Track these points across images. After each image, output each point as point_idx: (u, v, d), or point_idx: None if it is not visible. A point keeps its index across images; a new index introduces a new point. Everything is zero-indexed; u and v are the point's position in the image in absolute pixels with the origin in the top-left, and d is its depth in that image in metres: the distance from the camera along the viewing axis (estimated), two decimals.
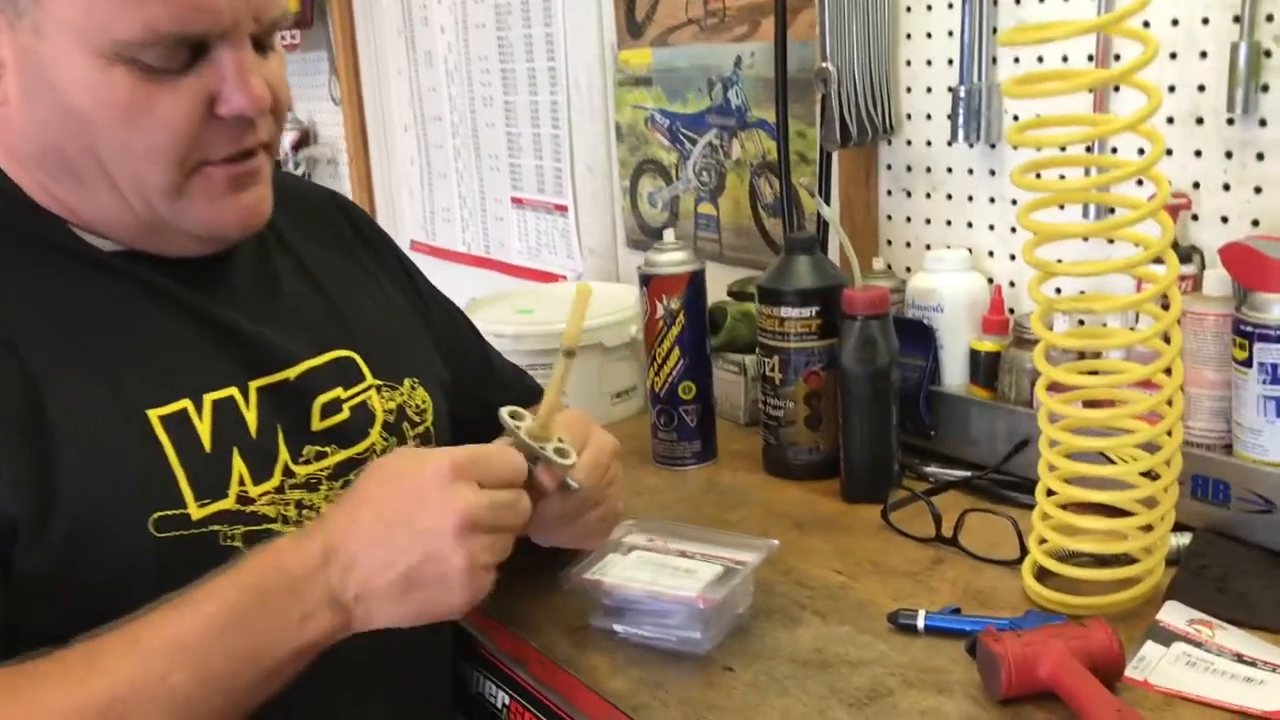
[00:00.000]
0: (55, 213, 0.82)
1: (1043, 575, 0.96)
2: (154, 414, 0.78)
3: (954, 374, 1.26)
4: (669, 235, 1.29)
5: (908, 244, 1.40)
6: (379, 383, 0.95)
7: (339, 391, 0.91)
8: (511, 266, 2.20)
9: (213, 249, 0.87)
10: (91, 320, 0.80)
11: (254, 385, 0.85)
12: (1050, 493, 0.93)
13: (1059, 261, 1.01)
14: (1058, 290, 1.22)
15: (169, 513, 0.77)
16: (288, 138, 2.88)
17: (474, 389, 1.10)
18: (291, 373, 0.88)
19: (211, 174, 0.81)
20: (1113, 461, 0.91)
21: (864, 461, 1.17)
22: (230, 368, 0.84)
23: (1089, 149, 1.11)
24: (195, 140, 0.79)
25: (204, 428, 0.80)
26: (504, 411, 0.83)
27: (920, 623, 0.92)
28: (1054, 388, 0.91)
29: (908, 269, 1.39)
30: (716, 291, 1.56)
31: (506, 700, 0.96)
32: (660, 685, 0.87)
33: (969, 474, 1.19)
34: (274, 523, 0.83)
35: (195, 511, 0.79)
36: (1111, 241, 1.13)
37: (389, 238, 1.11)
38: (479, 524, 0.75)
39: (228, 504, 0.80)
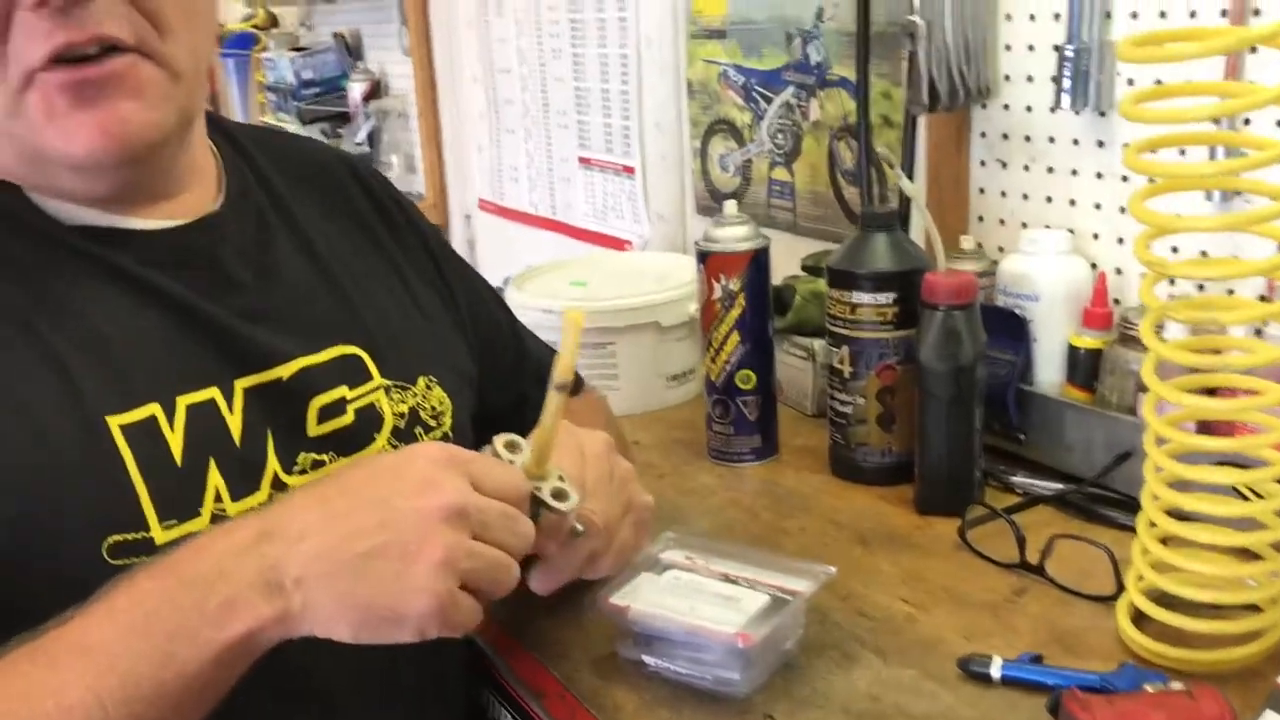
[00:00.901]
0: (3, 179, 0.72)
1: (1141, 619, 0.82)
2: (115, 421, 0.68)
3: (1048, 371, 1.12)
4: (729, 207, 1.16)
5: (1001, 221, 1.25)
6: (389, 382, 0.84)
7: (343, 391, 0.80)
8: (578, 229, 2.09)
9: (98, 185, 0.73)
10: (46, 310, 0.70)
11: (240, 385, 0.75)
12: (1153, 524, 0.80)
13: (1176, 256, 0.87)
14: (1172, 287, 1.07)
15: (127, 536, 0.67)
16: (357, 88, 2.80)
17: (506, 379, 0.99)
18: (284, 371, 0.77)
19: (44, 84, 0.67)
20: (1244, 497, 0.77)
21: (941, 470, 1.04)
22: (212, 366, 0.74)
23: (1217, 123, 0.96)
24: (2, 38, 0.65)
25: (175, 437, 0.70)
26: (498, 441, 0.72)
27: (995, 672, 0.79)
28: (1163, 406, 0.77)
29: (1000, 249, 1.24)
30: (790, 265, 1.44)
31: None
32: None
33: (1062, 487, 1.06)
34: None
35: (159, 534, 0.69)
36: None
37: (411, 206, 0.99)
38: (466, 516, 0.64)
39: (199, 524, 0.70)
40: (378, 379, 0.83)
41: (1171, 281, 1.07)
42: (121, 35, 0.68)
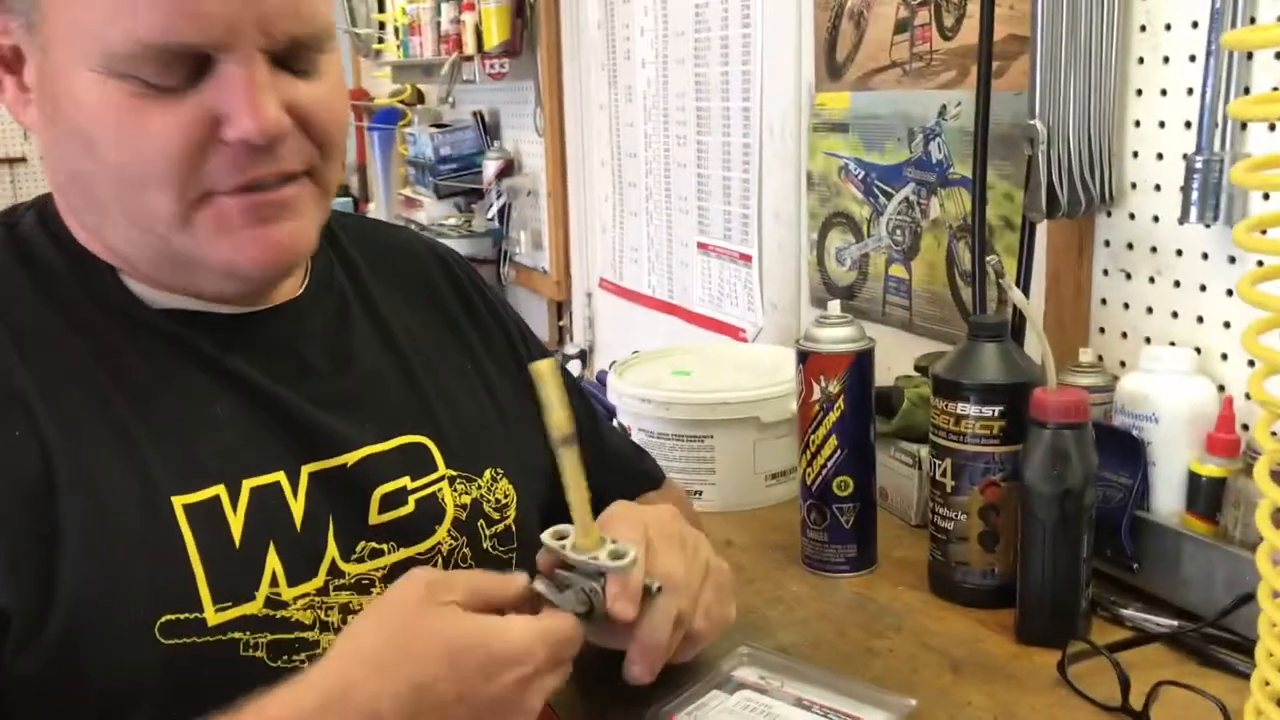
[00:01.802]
0: (101, 258, 0.75)
1: None
2: (179, 501, 0.70)
3: (1167, 499, 1.05)
4: (834, 306, 1.14)
5: (1124, 335, 1.19)
6: (454, 473, 0.84)
7: (405, 481, 0.80)
8: (693, 314, 2.08)
9: (247, 288, 0.77)
10: (122, 387, 0.71)
11: (306, 470, 0.75)
12: (1266, 684, 0.73)
13: None
14: None
15: (180, 616, 0.68)
16: (491, 166, 2.87)
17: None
18: (350, 458, 0.78)
19: (222, 205, 0.71)
20: None
21: (1043, 598, 0.98)
22: (280, 450, 0.75)
23: None
24: (194, 165, 0.69)
25: (236, 519, 0.71)
26: (546, 535, 0.72)
27: None
28: None
29: (1122, 364, 1.18)
30: (903, 364, 1.40)
31: None
32: None
33: (1176, 625, 0.98)
34: (310, 630, 0.73)
35: (212, 617, 0.69)
36: None
37: (498, 297, 1.00)
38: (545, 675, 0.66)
39: (253, 608, 0.71)
40: (443, 469, 0.83)
41: None
42: (299, 168, 0.73)
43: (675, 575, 0.75)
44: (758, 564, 1.18)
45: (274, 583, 0.72)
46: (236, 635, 0.69)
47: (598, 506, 0.76)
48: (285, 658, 0.71)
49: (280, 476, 0.74)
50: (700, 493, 1.33)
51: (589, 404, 1.07)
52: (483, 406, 0.90)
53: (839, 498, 1.13)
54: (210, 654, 0.68)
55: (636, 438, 1.40)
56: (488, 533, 0.84)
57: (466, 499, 0.84)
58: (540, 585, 0.71)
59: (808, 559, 1.17)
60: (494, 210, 2.88)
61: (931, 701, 0.91)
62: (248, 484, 0.72)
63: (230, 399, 0.74)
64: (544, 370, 0.71)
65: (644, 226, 2.25)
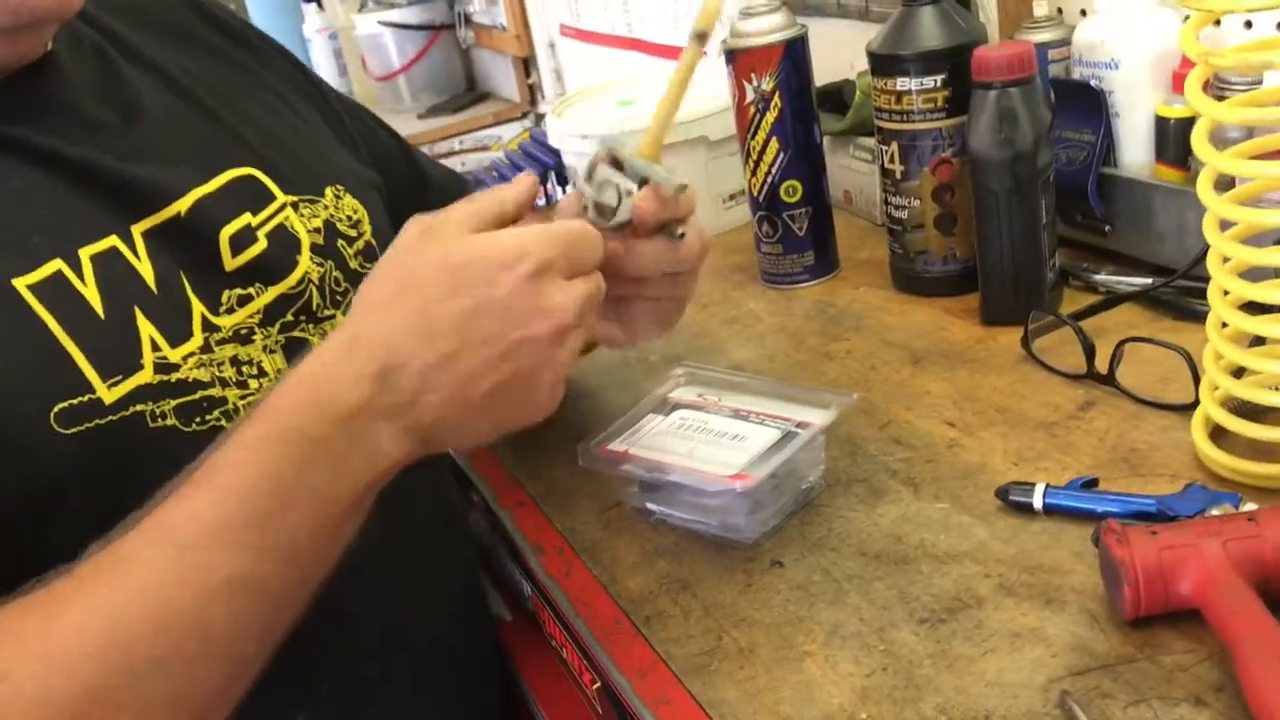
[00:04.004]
0: None
1: (1220, 433, 0.70)
2: (21, 283, 0.63)
3: (1135, 151, 0.96)
4: None
5: None
6: (294, 198, 0.77)
7: (247, 218, 0.74)
8: (655, 45, 1.95)
9: (26, 50, 0.68)
10: None
11: (137, 230, 0.69)
12: (1224, 325, 0.67)
13: None
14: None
15: (73, 402, 0.63)
16: None
17: (408, 201, 0.91)
18: (181, 205, 0.71)
19: None
20: None
21: (1004, 273, 0.92)
22: (102, 214, 0.68)
23: None
24: None
25: (90, 290, 0.65)
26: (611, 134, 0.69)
27: (1037, 501, 0.69)
28: (1224, 185, 0.63)
29: (1082, 13, 1.07)
30: (862, 58, 1.29)
31: (529, 591, 0.82)
32: (687, 587, 0.70)
33: (1149, 282, 0.92)
34: (211, 388, 0.68)
35: (106, 394, 0.64)
36: None
37: (265, 35, 0.91)
38: (573, 327, 0.61)
39: (145, 376, 0.66)
40: (281, 197, 0.77)
41: (1248, 25, 0.90)
42: None
43: (701, 231, 0.72)
44: (715, 287, 1.12)
45: (155, 348, 0.67)
46: (139, 408, 0.65)
47: None
48: (198, 419, 0.67)
49: (115, 241, 0.68)
50: None
51: (400, 137, 1.01)
52: (295, 127, 0.84)
53: (788, 204, 1.06)
54: (119, 434, 0.64)
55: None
56: (350, 251, 0.79)
57: (317, 221, 0.78)
58: (579, 170, 0.69)
59: (765, 274, 1.11)
60: None
61: (887, 396, 0.86)
62: (84, 253, 0.66)
63: (27, 172, 0.67)
64: None
65: None
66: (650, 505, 0.77)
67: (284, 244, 0.75)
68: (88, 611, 0.54)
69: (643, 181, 0.67)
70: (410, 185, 0.97)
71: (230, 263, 0.72)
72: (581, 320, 0.62)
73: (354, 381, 0.58)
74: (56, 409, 0.63)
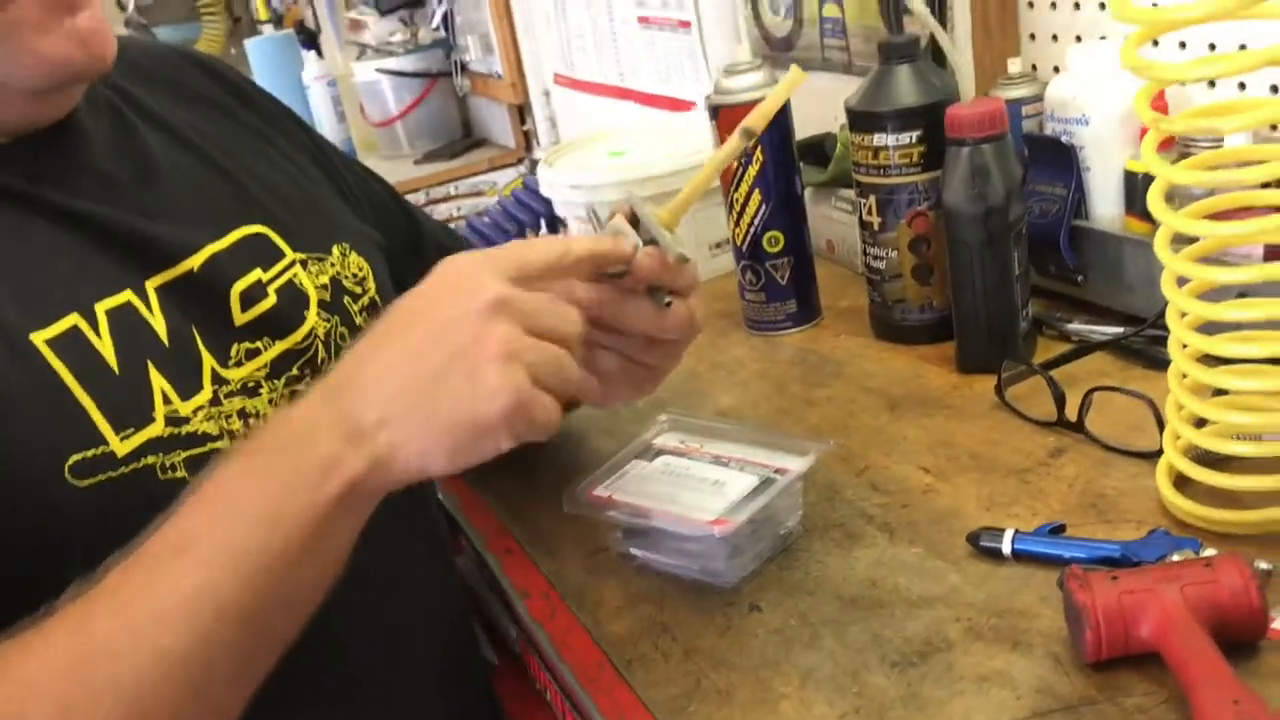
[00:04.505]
0: None
1: (1184, 481, 0.73)
2: (39, 337, 0.66)
3: (1106, 204, 0.99)
4: (741, 53, 1.07)
5: (1054, 37, 1.11)
6: (303, 255, 0.80)
7: (258, 274, 0.77)
8: (646, 95, 1.99)
9: (55, 111, 0.71)
10: None
11: (151, 285, 0.71)
12: (1184, 376, 0.70)
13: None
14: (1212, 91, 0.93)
15: (87, 454, 0.65)
16: None
17: (406, 257, 0.94)
18: (194, 261, 0.74)
19: (18, 6, 0.64)
20: None
21: (979, 323, 0.95)
22: (118, 269, 0.71)
23: None
24: None
25: (104, 344, 0.68)
26: (638, 191, 0.71)
27: (1006, 547, 0.72)
28: (1181, 240, 0.66)
29: (1055, 69, 1.10)
30: (842, 110, 1.32)
31: (515, 635, 0.84)
32: (667, 630, 0.72)
33: (1120, 331, 0.95)
34: (219, 440, 0.70)
35: (119, 446, 0.66)
36: None
37: (269, 95, 0.94)
38: (508, 305, 0.60)
39: (156, 429, 0.68)
40: (290, 254, 0.79)
41: (1211, 84, 0.93)
42: None
43: (695, 311, 0.73)
44: (702, 334, 1.14)
45: (167, 400, 0.69)
46: (150, 460, 0.67)
47: None
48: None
49: (129, 295, 0.70)
50: None
51: (399, 194, 1.04)
52: (302, 186, 0.87)
53: (770, 254, 1.09)
54: (130, 486, 0.66)
55: (575, 228, 1.36)
56: (355, 308, 0.82)
57: (324, 278, 0.81)
58: (598, 209, 0.72)
59: (749, 321, 1.14)
60: (438, 18, 2.75)
61: (865, 441, 0.89)
62: (99, 308, 0.69)
63: (45, 227, 0.70)
64: (796, 75, 0.73)
65: (585, 10, 2.13)
66: (634, 550, 0.79)
67: (293, 300, 0.78)
68: (65, 631, 0.56)
69: (650, 243, 0.69)
70: (409, 242, 0.99)
71: (240, 317, 0.75)
72: (530, 309, 0.61)
73: (303, 397, 0.61)
74: (71, 461, 0.65)
